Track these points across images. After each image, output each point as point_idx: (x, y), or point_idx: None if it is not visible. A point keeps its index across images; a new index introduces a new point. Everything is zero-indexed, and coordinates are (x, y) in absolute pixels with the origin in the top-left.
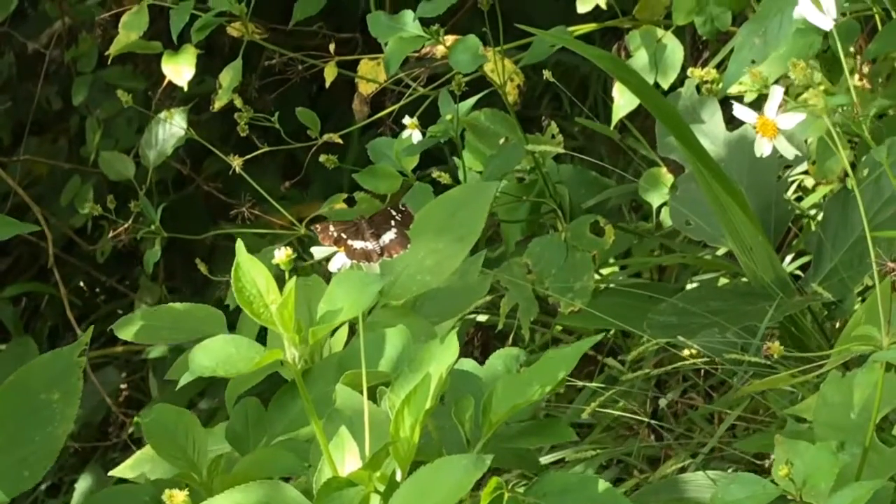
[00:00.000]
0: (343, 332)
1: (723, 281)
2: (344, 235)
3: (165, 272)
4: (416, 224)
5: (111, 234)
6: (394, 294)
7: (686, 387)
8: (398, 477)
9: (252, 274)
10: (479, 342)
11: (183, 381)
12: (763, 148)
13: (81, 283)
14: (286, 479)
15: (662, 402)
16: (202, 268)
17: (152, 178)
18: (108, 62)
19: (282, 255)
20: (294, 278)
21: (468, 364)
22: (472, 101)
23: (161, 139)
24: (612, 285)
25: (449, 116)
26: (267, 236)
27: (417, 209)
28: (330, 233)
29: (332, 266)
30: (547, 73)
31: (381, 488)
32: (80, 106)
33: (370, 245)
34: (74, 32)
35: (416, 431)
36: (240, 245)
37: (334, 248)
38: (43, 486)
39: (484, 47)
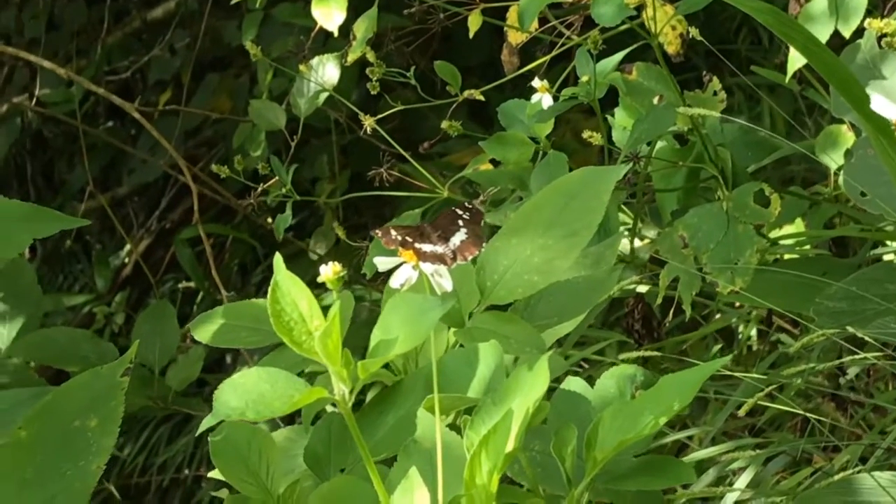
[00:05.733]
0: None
1: None
2: (409, 239)
3: (350, 209)
4: (524, 216)
5: (259, 190)
6: (497, 296)
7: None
8: None
9: (292, 294)
10: (639, 315)
11: (204, 425)
12: None
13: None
14: None
15: (842, 381)
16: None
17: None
18: None
19: (328, 271)
20: (338, 303)
21: (576, 384)
22: (617, 57)
23: (313, 87)
24: (780, 257)
25: (585, 78)
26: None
27: (549, 181)
28: (393, 237)
29: (394, 282)
30: (694, 31)
31: None
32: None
33: (441, 248)
34: None
35: (494, 479)
36: (278, 260)
37: (399, 259)
38: None
39: None
